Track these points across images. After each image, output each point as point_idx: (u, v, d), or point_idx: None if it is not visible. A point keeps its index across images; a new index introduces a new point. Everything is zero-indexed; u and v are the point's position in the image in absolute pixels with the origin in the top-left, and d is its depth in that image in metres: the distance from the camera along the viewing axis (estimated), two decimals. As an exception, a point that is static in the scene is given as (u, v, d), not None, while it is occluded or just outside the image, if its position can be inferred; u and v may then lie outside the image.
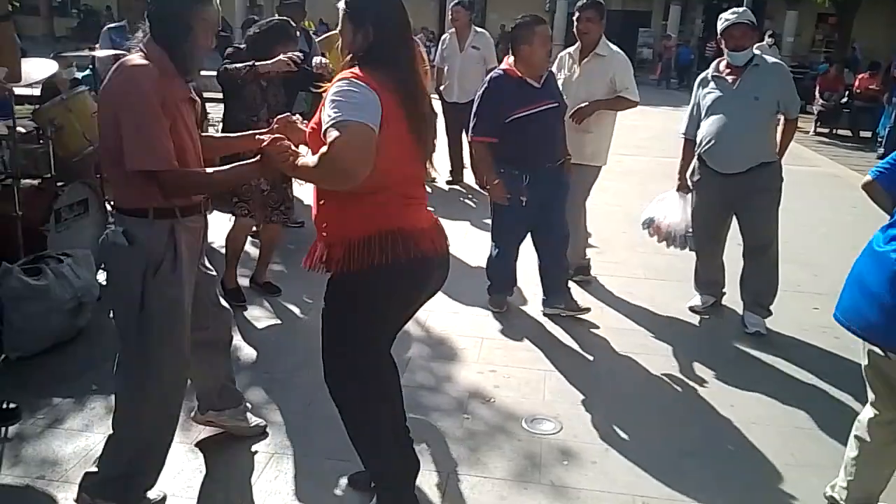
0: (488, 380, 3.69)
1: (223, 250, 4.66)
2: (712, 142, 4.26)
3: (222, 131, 4.46)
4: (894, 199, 2.62)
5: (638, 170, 8.70)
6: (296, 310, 4.48)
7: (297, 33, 4.71)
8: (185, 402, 2.70)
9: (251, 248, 5.41)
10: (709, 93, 4.36)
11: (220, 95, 4.69)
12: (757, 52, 4.29)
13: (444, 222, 6.59)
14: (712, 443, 3.24)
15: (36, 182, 4.42)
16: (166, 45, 2.36)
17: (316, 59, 4.80)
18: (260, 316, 4.38)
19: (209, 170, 2.48)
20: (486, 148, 4.24)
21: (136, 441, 2.52)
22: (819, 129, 13.96)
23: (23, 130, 4.87)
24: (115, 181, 2.45)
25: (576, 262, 4.98)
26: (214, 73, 4.24)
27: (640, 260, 5.55)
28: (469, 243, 5.95)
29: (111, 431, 2.55)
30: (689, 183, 4.57)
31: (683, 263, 4.92)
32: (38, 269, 3.75)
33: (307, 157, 2.25)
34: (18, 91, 4.34)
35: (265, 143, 2.31)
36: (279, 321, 4.35)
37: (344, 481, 2.79)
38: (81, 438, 3.00)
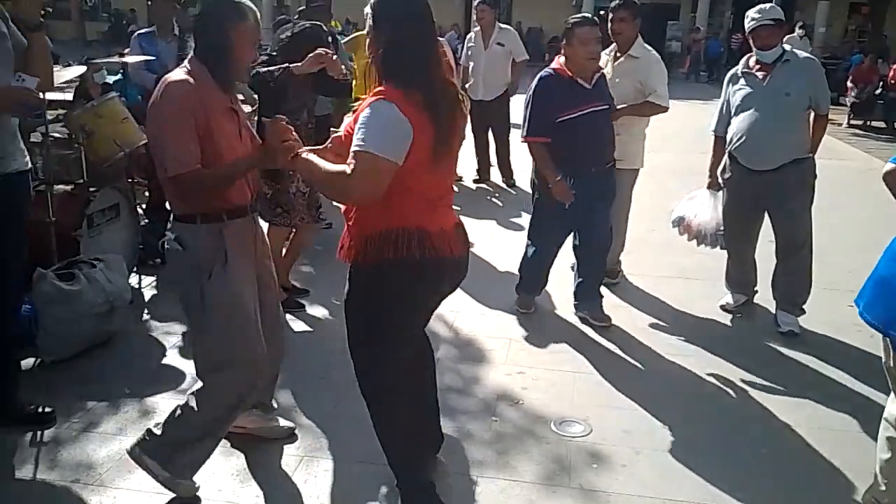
0: (516, 381, 3.68)
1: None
2: (743, 139, 4.20)
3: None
4: None
5: (664, 167, 8.57)
6: (324, 311, 4.50)
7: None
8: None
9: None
10: (739, 89, 4.30)
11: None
12: (787, 46, 4.22)
13: (470, 222, 6.68)
14: (744, 445, 3.20)
15: (68, 188, 4.49)
16: (207, 59, 2.50)
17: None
18: (288, 317, 4.40)
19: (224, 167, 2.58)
20: (541, 147, 4.16)
21: (203, 415, 2.64)
22: (853, 122, 13.71)
23: (57, 135, 4.95)
24: (167, 191, 2.63)
25: (609, 265, 4.95)
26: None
27: (669, 259, 5.49)
28: (496, 243, 5.94)
29: (186, 400, 2.67)
30: (720, 181, 4.51)
31: (714, 262, 4.86)
32: (72, 275, 3.81)
33: (319, 160, 2.35)
34: (50, 95, 4.40)
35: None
36: (307, 322, 4.37)
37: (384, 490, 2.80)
38: (115, 442, 3.04)
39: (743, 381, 3.77)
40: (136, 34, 5.51)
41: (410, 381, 2.62)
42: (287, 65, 4.09)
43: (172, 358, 3.85)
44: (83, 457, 2.95)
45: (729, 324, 4.53)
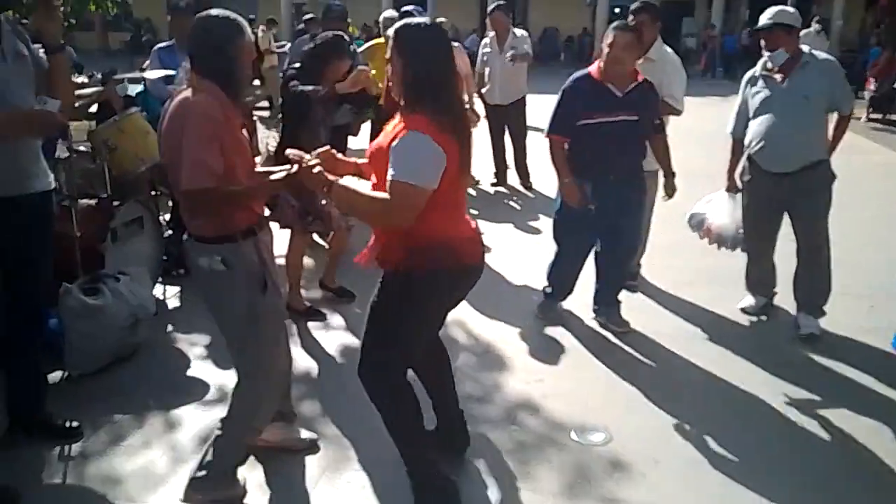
0: (536, 389, 3.69)
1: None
2: (762, 142, 4.18)
3: (279, 151, 4.47)
4: None
5: (680, 166, 8.42)
6: (349, 320, 4.54)
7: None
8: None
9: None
10: (757, 92, 4.27)
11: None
12: (805, 48, 4.19)
13: (487, 226, 6.71)
14: (765, 451, 3.19)
15: (92, 202, 4.56)
16: (215, 77, 2.51)
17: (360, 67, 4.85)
18: (312, 325, 4.45)
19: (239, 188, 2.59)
20: (558, 146, 4.19)
21: (249, 433, 2.79)
22: (872, 116, 13.56)
23: (81, 149, 5.02)
24: (190, 211, 2.62)
25: (634, 266, 4.99)
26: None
27: (686, 261, 5.46)
28: (514, 248, 5.94)
29: (220, 432, 2.73)
30: (739, 183, 4.50)
31: (732, 264, 4.83)
32: (97, 289, 3.87)
33: (352, 186, 2.48)
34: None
35: (302, 168, 2.45)
36: (332, 330, 4.41)
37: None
38: (141, 456, 3.10)
39: (765, 385, 3.75)
40: (155, 48, 5.57)
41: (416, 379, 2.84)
42: (332, 86, 4.20)
43: (197, 369, 3.90)
44: (110, 471, 3.00)
45: (749, 327, 4.51)
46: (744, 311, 4.66)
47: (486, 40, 7.84)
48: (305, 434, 3.20)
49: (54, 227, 3.26)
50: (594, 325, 4.46)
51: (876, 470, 3.05)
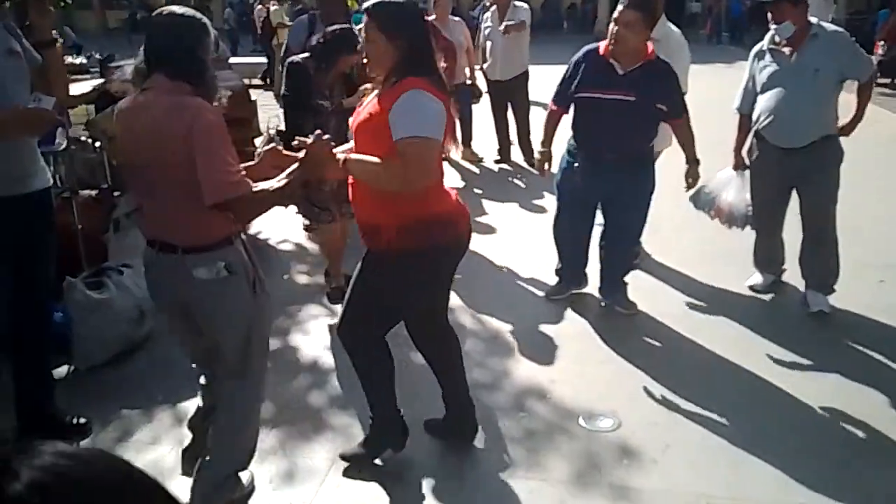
0: (544, 374, 3.67)
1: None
2: (771, 117, 4.11)
3: (285, 139, 4.43)
4: None
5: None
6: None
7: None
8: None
9: (310, 245, 5.48)
10: (765, 66, 4.19)
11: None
12: (814, 19, 4.09)
13: (492, 205, 6.65)
14: (778, 434, 3.17)
15: (93, 193, 4.54)
16: (188, 78, 2.36)
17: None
18: (318, 314, 4.43)
19: (264, 185, 2.43)
20: (554, 115, 4.23)
21: (249, 440, 2.75)
22: (879, 80, 13.35)
23: (82, 139, 4.99)
24: (194, 219, 2.40)
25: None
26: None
27: (693, 237, 5.40)
28: (519, 228, 5.89)
29: (216, 442, 2.67)
30: (746, 160, 4.43)
31: (740, 241, 4.78)
32: (101, 282, 3.86)
33: (363, 157, 2.48)
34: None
35: (309, 144, 2.43)
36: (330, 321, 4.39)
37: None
38: (151, 451, 3.10)
39: (775, 365, 3.73)
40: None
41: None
42: (340, 102, 4.28)
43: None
44: (120, 467, 3.00)
45: (758, 305, 4.47)
46: (752, 288, 4.62)
47: (487, 14, 7.72)
48: None
49: (55, 221, 3.24)
50: (601, 307, 4.43)
51: (892, 449, 3.02)
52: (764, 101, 4.17)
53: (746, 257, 4.68)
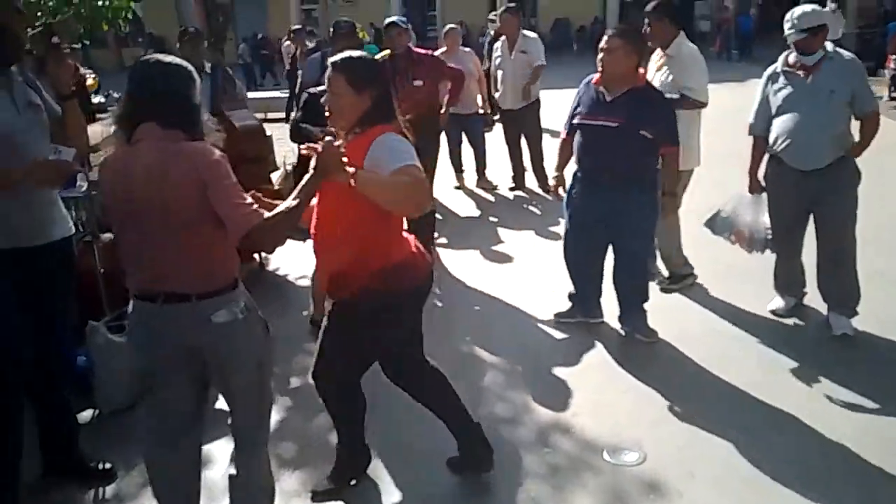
0: (566, 406, 3.65)
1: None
2: (788, 140, 4.09)
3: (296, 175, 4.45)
4: None
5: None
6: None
7: None
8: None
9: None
10: (780, 89, 4.17)
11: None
12: (829, 45, 4.09)
13: (508, 233, 6.66)
14: (805, 462, 3.12)
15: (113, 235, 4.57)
16: (182, 126, 2.35)
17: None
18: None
19: (280, 207, 2.38)
20: (565, 142, 4.33)
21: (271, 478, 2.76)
22: (893, 94, 13.29)
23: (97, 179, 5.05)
24: (207, 263, 2.38)
25: (672, 269, 4.98)
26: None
27: (710, 258, 5.29)
28: (535, 256, 5.87)
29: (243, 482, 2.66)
30: (762, 182, 4.42)
31: (758, 261, 4.74)
32: (123, 326, 3.87)
33: (377, 175, 2.48)
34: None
35: (320, 150, 2.39)
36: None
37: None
38: (175, 496, 3.09)
39: (801, 391, 3.68)
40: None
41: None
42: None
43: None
44: (145, 513, 3.01)
45: (780, 328, 4.42)
46: (774, 312, 4.57)
47: (497, 44, 7.78)
48: None
49: (76, 267, 3.27)
50: (621, 334, 4.40)
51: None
52: (780, 124, 4.15)
53: (766, 278, 4.64)
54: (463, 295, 5.19)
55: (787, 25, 4.05)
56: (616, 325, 4.47)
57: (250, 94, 10.24)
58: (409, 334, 2.94)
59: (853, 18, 20.65)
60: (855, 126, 4.13)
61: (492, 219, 7.02)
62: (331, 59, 2.73)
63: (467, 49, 8.09)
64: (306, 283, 5.60)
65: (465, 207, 7.50)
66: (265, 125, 6.04)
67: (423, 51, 5.87)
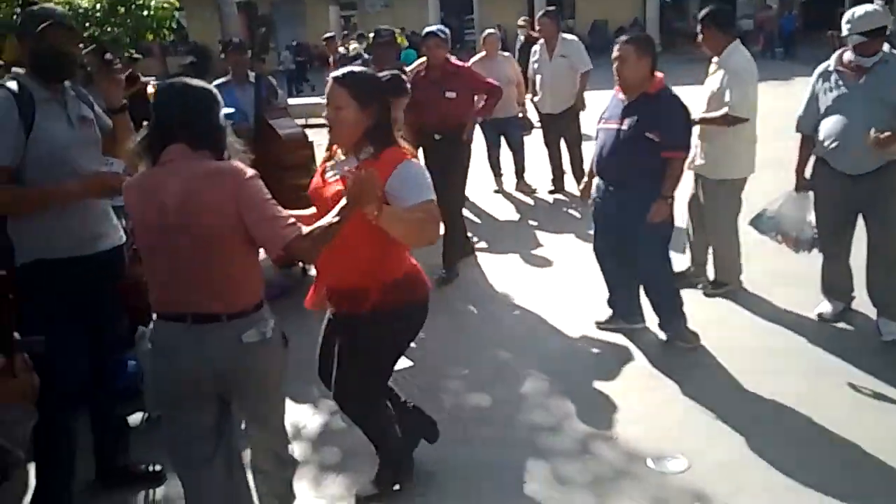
0: (608, 413, 3.63)
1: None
2: (836, 143, 4.02)
3: None
4: None
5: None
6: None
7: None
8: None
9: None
10: (831, 88, 4.09)
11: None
12: (886, 47, 3.99)
13: (547, 236, 6.64)
14: (855, 472, 3.06)
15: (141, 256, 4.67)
16: (211, 148, 2.39)
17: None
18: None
19: (320, 223, 2.40)
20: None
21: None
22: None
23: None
24: (236, 282, 2.39)
25: (725, 278, 4.93)
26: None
27: (756, 261, 5.23)
28: (576, 261, 5.83)
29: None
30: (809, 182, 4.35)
31: (806, 265, 4.67)
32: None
33: (399, 212, 2.54)
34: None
35: (355, 177, 2.36)
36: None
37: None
38: (222, 499, 3.15)
39: (851, 400, 3.61)
40: (213, 84, 5.71)
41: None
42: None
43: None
44: (194, 515, 3.07)
45: (829, 335, 4.32)
46: (820, 317, 4.48)
47: (535, 48, 7.77)
48: None
49: (126, 276, 3.35)
50: (664, 343, 4.33)
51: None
52: (828, 126, 4.07)
53: (813, 281, 4.55)
54: (501, 300, 5.19)
55: (845, 26, 3.95)
56: (656, 330, 4.42)
57: (291, 101, 10.39)
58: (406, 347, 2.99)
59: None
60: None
61: (531, 223, 7.00)
62: (332, 74, 2.72)
63: (506, 53, 8.09)
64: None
65: (503, 211, 7.50)
66: (307, 130, 6.12)
67: (459, 63, 5.85)
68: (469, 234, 6.20)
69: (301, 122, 9.57)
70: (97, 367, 3.13)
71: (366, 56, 6.95)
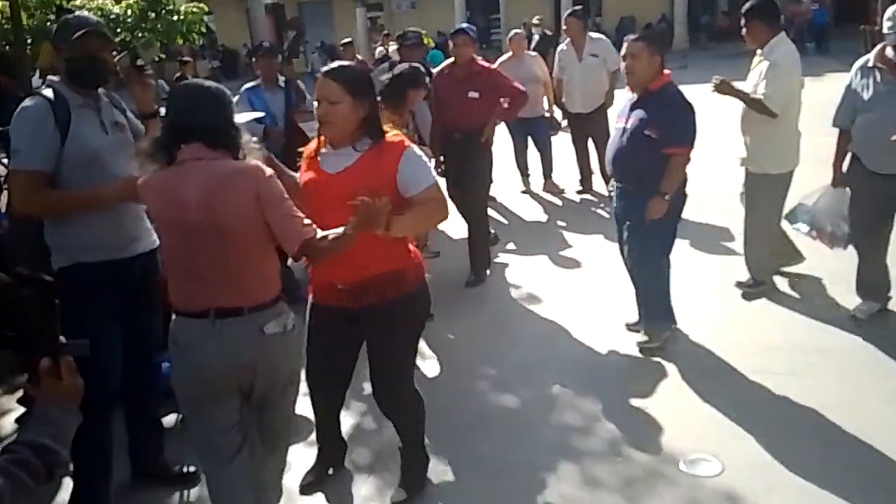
0: (639, 416, 3.60)
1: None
2: (869, 143, 3.96)
3: None
4: None
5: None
6: (435, 340, 4.54)
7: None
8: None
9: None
10: (869, 85, 4.02)
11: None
12: None
13: (575, 237, 6.59)
14: (890, 476, 3.01)
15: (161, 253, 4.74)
16: (227, 148, 2.43)
17: None
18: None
19: (328, 232, 2.43)
20: None
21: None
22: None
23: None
24: (257, 276, 2.45)
25: (761, 276, 4.88)
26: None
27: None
28: (603, 262, 5.78)
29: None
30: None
31: (841, 264, 4.60)
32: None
33: (406, 214, 2.60)
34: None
35: (366, 206, 2.33)
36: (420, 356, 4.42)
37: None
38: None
39: (887, 405, 3.53)
40: (243, 88, 5.78)
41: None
42: None
43: (303, 406, 3.97)
44: (227, 516, 3.10)
45: (864, 336, 4.22)
46: (855, 317, 4.41)
47: (562, 46, 7.73)
48: None
49: (161, 279, 3.40)
50: (693, 343, 4.30)
51: None
52: (863, 124, 4.01)
53: (849, 281, 4.48)
54: (529, 301, 5.18)
55: (887, 23, 3.89)
56: (688, 331, 4.39)
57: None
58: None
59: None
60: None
61: (559, 223, 6.98)
62: (323, 69, 2.78)
63: (533, 53, 8.07)
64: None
65: (531, 212, 7.47)
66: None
67: (486, 64, 5.83)
68: (492, 230, 6.17)
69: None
70: (132, 369, 3.18)
71: (393, 59, 6.99)
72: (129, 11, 11.76)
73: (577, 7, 7.60)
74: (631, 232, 4.18)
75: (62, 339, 1.67)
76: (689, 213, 6.31)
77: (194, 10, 12.33)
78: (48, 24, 9.71)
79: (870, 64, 4.05)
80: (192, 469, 3.40)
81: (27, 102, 2.88)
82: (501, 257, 6.08)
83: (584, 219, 7.06)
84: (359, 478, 3.30)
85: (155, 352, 3.42)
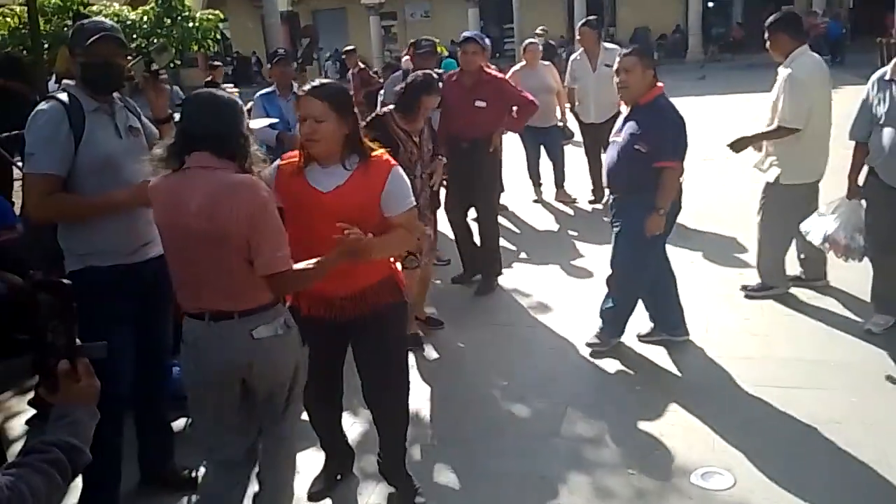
0: (651, 428, 3.57)
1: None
2: (884, 157, 3.92)
3: None
4: None
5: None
6: (445, 347, 4.53)
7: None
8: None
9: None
10: (887, 98, 3.99)
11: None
12: None
13: (587, 247, 6.57)
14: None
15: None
16: (235, 158, 2.46)
17: None
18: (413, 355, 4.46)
19: (303, 264, 2.49)
20: None
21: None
22: None
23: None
24: (249, 284, 2.46)
25: (769, 281, 4.89)
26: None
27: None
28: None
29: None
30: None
31: (852, 275, 4.55)
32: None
33: (384, 236, 2.64)
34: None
35: (351, 241, 2.43)
36: (430, 360, 4.42)
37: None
38: None
39: (899, 417, 3.50)
40: (257, 95, 5.81)
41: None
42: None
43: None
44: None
45: (878, 350, 4.18)
46: (869, 331, 4.36)
47: (575, 55, 7.72)
48: None
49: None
50: (707, 355, 4.26)
51: None
52: (879, 139, 3.99)
53: (863, 294, 4.44)
54: (541, 311, 5.15)
55: None
56: (701, 343, 4.36)
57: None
58: None
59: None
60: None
61: (570, 233, 6.96)
62: (304, 87, 2.74)
63: (547, 63, 8.07)
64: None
65: (543, 221, 7.46)
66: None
67: (495, 72, 5.80)
68: (446, 258, 6.12)
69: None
70: (143, 373, 3.18)
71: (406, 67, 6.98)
72: (146, 18, 11.86)
73: (592, 17, 7.57)
74: (616, 238, 4.22)
75: (78, 341, 1.67)
76: (702, 223, 6.36)
77: (210, 17, 12.40)
78: (65, 28, 9.79)
79: (886, 77, 4.02)
80: (201, 474, 3.38)
81: (42, 106, 2.89)
82: (513, 266, 6.06)
83: (596, 229, 7.01)
84: (367, 485, 3.28)
85: (165, 356, 3.43)
